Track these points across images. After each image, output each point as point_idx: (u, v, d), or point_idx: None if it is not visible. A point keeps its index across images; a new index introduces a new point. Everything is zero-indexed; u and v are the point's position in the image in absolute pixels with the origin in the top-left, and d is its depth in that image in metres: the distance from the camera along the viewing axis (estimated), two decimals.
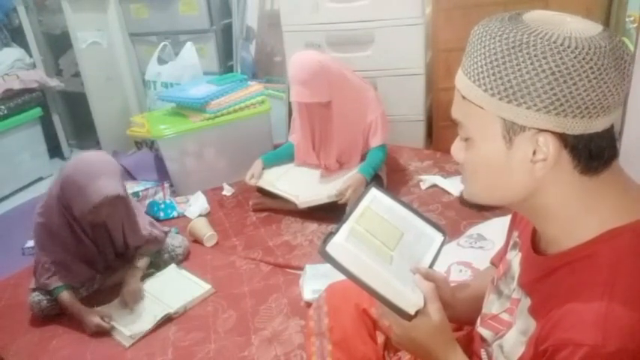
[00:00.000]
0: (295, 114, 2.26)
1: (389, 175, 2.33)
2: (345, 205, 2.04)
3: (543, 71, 0.57)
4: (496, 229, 1.71)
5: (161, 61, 2.97)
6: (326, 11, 2.47)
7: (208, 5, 2.91)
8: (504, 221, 0.88)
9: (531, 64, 0.57)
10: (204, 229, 2.12)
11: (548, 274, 0.66)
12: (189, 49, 2.88)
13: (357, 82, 2.18)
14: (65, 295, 1.74)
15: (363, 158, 2.21)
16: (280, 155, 2.38)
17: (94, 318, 1.69)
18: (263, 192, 2.29)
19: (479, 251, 1.70)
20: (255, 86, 2.61)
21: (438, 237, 0.92)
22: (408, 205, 0.93)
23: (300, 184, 2.25)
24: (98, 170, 1.64)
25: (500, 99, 0.60)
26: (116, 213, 1.76)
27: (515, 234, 0.81)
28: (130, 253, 1.90)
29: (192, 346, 1.61)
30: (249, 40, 2.98)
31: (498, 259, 0.87)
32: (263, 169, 2.32)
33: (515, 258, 0.78)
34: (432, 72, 2.51)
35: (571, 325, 0.59)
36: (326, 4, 2.45)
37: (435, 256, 0.88)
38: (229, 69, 3.08)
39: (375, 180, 2.10)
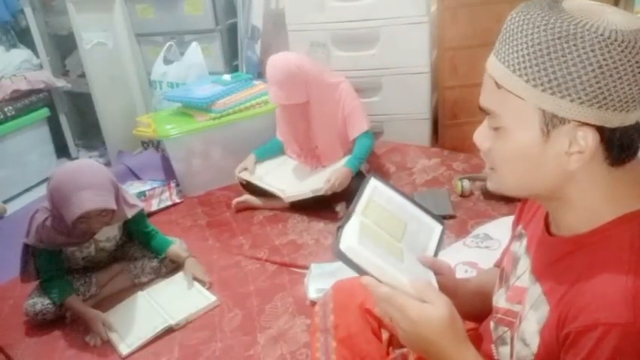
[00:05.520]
0: (278, 112, 2.31)
1: (395, 173, 2.33)
2: (331, 198, 2.08)
3: (590, 64, 0.56)
4: (502, 229, 1.70)
5: (167, 61, 2.98)
6: (331, 10, 2.46)
7: (213, 5, 2.91)
8: (511, 221, 0.88)
9: (578, 56, 0.56)
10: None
11: (563, 256, 0.66)
12: (194, 49, 2.88)
13: (332, 80, 2.20)
14: (71, 300, 1.74)
15: (351, 152, 2.22)
16: (271, 149, 2.42)
17: (97, 326, 1.68)
18: (248, 188, 2.31)
19: (485, 251, 1.69)
20: (260, 86, 2.61)
21: (438, 226, 0.92)
22: (405, 195, 0.94)
23: (287, 178, 2.29)
24: (82, 182, 1.59)
25: (543, 90, 0.59)
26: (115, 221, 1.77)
27: (520, 227, 0.81)
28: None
29: (198, 345, 1.61)
30: (255, 40, 2.98)
31: (501, 260, 0.87)
32: (256, 163, 2.35)
33: (520, 248, 0.77)
34: (438, 70, 2.50)
35: (597, 306, 0.58)
36: (331, 3, 2.45)
37: (438, 245, 0.89)
38: (234, 68, 3.08)
39: (358, 176, 2.11)
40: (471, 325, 0.92)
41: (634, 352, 0.56)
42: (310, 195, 2.13)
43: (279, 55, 2.14)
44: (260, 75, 2.97)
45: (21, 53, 3.09)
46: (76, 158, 3.29)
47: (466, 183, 2.16)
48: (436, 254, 0.87)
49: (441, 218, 0.95)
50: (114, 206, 1.65)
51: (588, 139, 0.59)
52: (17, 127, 2.89)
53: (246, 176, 2.30)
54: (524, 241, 0.77)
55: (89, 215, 1.61)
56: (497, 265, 0.91)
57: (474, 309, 0.86)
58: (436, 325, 0.70)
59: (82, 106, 3.29)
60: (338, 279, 1.12)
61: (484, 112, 0.67)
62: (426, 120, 2.58)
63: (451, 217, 2.02)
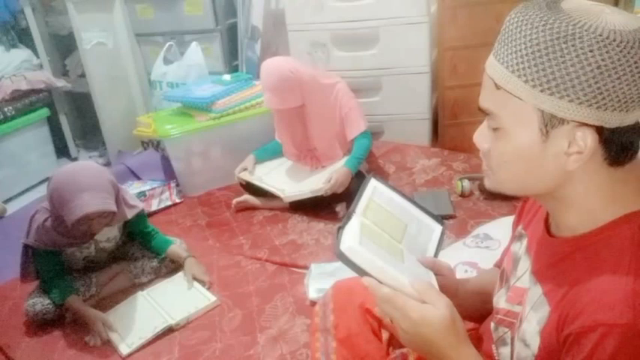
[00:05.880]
0: (275, 116, 2.31)
1: (395, 173, 2.33)
2: (331, 198, 2.08)
3: (589, 64, 0.56)
4: (503, 229, 1.70)
5: (167, 61, 2.98)
6: (331, 10, 2.46)
7: (213, 5, 2.91)
8: (511, 221, 0.88)
9: (577, 57, 0.56)
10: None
11: (563, 257, 0.66)
12: (194, 49, 2.89)
13: (328, 81, 2.20)
14: (72, 300, 1.73)
15: (351, 151, 2.23)
16: (271, 150, 2.42)
17: (97, 326, 1.67)
18: (248, 188, 2.31)
19: (485, 251, 1.69)
20: (260, 86, 2.61)
21: (437, 227, 0.93)
22: (405, 195, 0.94)
23: (287, 179, 2.29)
24: (83, 184, 1.58)
25: (542, 91, 0.59)
26: (116, 221, 1.77)
27: (520, 227, 0.81)
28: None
29: (198, 345, 1.61)
30: (255, 40, 2.98)
31: (501, 260, 0.87)
32: (255, 163, 2.36)
33: (521, 248, 0.77)
34: (438, 70, 2.50)
35: (597, 306, 0.58)
36: (331, 2, 2.45)
37: (438, 246, 0.89)
38: (234, 68, 3.08)
39: (357, 176, 2.11)
40: (471, 325, 0.92)
41: (634, 353, 0.56)
42: (310, 195, 2.13)
43: (273, 60, 2.15)
44: (260, 75, 2.97)
45: (21, 53, 3.09)
46: (76, 158, 3.30)
47: (466, 183, 2.16)
48: (436, 255, 0.88)
49: (441, 219, 0.95)
50: (114, 208, 1.65)
51: (587, 140, 0.59)
52: (17, 127, 2.89)
53: (246, 176, 2.30)
54: (525, 242, 0.77)
55: (90, 217, 1.61)
56: (498, 265, 0.92)
57: (475, 309, 0.86)
58: (437, 325, 0.70)
59: (82, 106, 3.30)
60: (338, 279, 1.12)
61: (484, 113, 0.67)
62: (425, 120, 2.58)
63: (451, 217, 2.02)
